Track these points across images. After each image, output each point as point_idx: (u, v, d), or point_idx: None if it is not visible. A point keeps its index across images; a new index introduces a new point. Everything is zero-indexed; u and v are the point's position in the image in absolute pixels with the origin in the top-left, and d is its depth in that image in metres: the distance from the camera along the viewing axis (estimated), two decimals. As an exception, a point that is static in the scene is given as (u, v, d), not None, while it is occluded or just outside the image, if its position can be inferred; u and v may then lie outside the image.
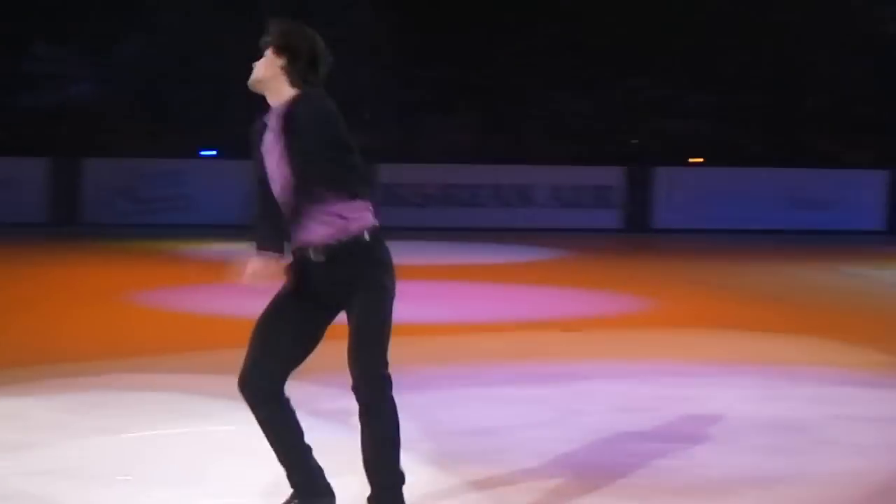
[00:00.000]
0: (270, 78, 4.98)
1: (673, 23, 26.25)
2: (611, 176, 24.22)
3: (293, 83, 4.97)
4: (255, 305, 5.22)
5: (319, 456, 5.19)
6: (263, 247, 4.94)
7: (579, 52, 26.33)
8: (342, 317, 5.05)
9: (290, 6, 19.75)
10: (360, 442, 5.01)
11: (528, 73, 26.65)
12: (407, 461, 5.14)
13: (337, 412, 6.84)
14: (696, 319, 12.50)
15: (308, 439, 5.19)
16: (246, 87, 5.01)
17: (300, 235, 4.94)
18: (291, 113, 4.88)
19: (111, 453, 6.55)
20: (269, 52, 5.00)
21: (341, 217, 4.92)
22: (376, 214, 5.04)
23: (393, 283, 4.99)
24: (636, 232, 23.37)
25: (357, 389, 4.93)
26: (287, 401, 5.08)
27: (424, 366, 8.99)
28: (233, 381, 5.10)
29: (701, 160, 26.90)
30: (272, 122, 4.98)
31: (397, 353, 5.06)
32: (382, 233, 5.05)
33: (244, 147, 5.07)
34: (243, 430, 5.73)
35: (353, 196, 4.95)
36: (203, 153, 24.85)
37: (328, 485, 5.18)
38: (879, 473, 6.45)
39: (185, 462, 6.35)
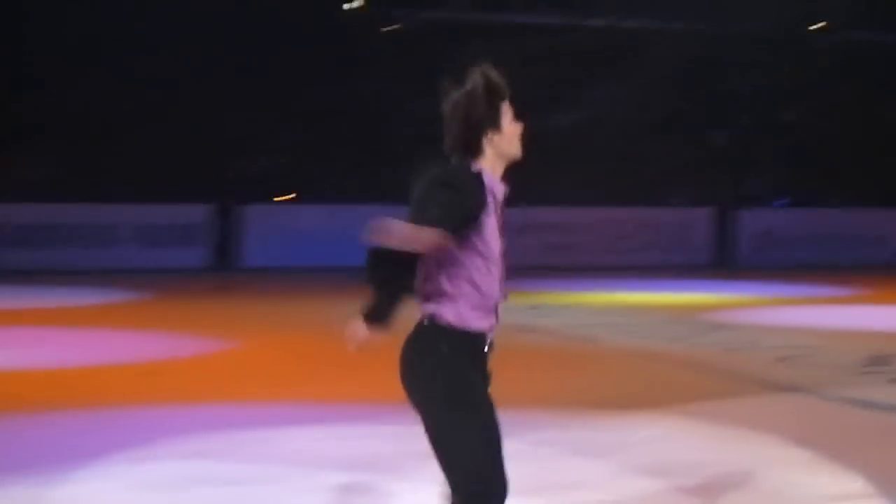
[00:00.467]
0: None
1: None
2: (196, 213, 23.60)
3: None
4: None
5: None
6: (379, 322, 4.25)
7: (160, 87, 25.59)
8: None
9: None
10: None
11: (110, 109, 25.66)
12: None
13: None
14: (276, 359, 12.14)
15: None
16: None
17: (494, 319, 4.39)
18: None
19: None
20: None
21: None
22: None
23: None
24: (223, 270, 22.84)
25: None
26: None
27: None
28: None
29: (290, 197, 26.74)
30: (498, 192, 4.38)
31: None
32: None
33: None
34: None
35: None
36: None
37: None
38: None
39: None
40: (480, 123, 4.30)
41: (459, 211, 4.17)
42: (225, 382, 10.47)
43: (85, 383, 10.28)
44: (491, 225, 4.29)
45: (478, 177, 4.28)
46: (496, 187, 4.34)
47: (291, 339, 13.54)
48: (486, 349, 4.36)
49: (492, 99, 4.32)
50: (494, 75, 4.36)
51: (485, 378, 4.37)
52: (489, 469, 4.21)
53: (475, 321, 4.28)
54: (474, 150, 4.33)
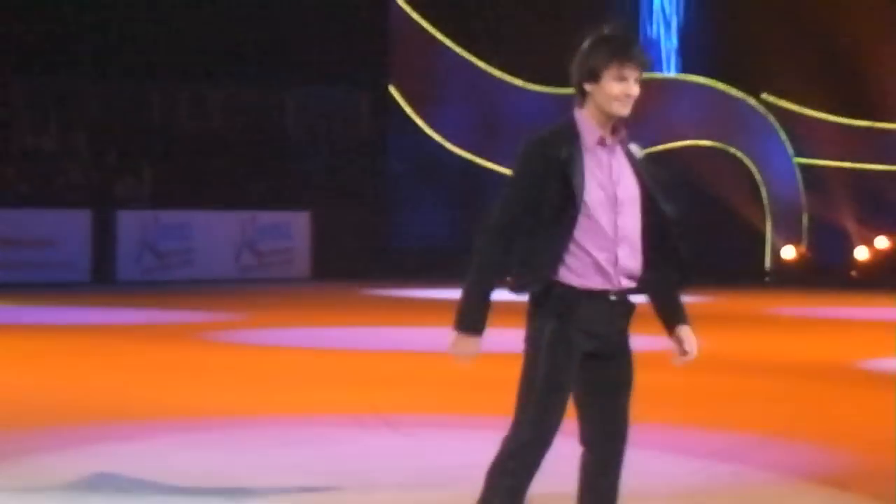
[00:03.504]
0: None
1: None
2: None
3: None
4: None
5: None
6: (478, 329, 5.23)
7: None
8: None
9: None
10: None
11: None
12: None
13: None
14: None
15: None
16: None
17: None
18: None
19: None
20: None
21: None
22: None
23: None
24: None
25: None
26: None
27: None
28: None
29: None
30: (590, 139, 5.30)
31: None
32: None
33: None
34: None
35: None
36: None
37: None
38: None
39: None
40: (580, 73, 5.02)
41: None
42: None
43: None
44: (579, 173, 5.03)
45: (559, 130, 5.08)
46: (590, 139, 5.04)
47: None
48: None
49: (596, 53, 5.01)
50: (611, 32, 5.10)
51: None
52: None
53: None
54: (579, 97, 5.07)
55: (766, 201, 28.03)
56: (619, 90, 5.02)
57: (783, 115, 28.12)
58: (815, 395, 12.51)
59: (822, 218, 27.79)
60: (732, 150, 27.98)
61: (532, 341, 5.09)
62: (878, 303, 21.91)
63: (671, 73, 29.34)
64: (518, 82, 27.26)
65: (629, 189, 5.12)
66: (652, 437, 8.31)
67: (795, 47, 25.95)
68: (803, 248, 27.59)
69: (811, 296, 24.04)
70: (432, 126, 28.01)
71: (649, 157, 5.31)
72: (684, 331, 5.23)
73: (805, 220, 27.95)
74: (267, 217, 26.39)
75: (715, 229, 24.83)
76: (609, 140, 5.09)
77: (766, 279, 27.68)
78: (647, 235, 5.14)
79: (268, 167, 27.39)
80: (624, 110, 5.05)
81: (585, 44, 5.12)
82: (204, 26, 26.62)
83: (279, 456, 8.58)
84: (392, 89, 28.09)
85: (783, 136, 28.07)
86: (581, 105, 5.11)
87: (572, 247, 5.07)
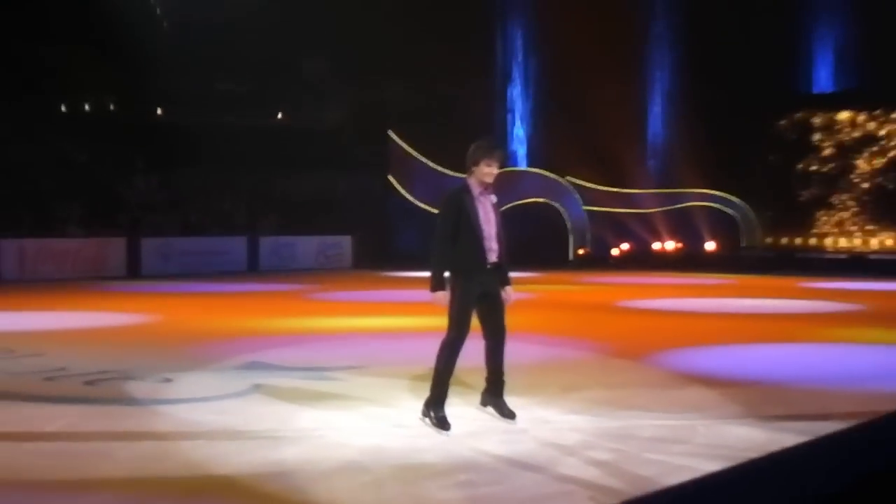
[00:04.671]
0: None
1: None
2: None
3: None
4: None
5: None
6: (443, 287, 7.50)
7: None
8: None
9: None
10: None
11: None
12: None
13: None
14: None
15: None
16: None
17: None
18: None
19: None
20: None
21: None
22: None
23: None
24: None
25: None
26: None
27: None
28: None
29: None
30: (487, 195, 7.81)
31: None
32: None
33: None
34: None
35: None
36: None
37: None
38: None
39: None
40: (470, 160, 7.88)
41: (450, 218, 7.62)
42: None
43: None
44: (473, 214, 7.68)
45: (461, 188, 7.75)
46: (475, 192, 7.71)
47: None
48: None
49: (476, 151, 7.90)
50: (487, 142, 7.89)
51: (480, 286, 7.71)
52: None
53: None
54: (469, 171, 7.88)
55: (569, 225, 38.13)
56: (487, 171, 7.76)
57: (576, 185, 38.12)
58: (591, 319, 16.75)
59: (594, 234, 38.05)
60: (553, 203, 38.19)
61: (455, 290, 7.64)
62: (623, 275, 30.57)
63: (521, 166, 39.86)
64: (448, 171, 35.87)
65: (490, 217, 7.81)
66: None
67: (583, 147, 35.39)
68: (586, 248, 37.98)
69: (590, 272, 32.14)
70: (411, 194, 38.46)
71: (498, 203, 7.90)
72: (508, 289, 8.00)
73: (588, 235, 38.18)
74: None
75: (543, 237, 35.39)
76: (483, 193, 7.79)
77: (569, 262, 36.59)
78: (496, 238, 7.76)
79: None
80: (490, 180, 7.78)
81: (472, 146, 7.83)
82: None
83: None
84: (390, 178, 39.35)
85: (576, 195, 38.32)
86: (469, 175, 7.78)
87: (471, 245, 7.81)
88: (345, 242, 36.29)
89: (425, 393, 8.66)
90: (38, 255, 28.84)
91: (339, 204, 37.85)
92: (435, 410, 8.16)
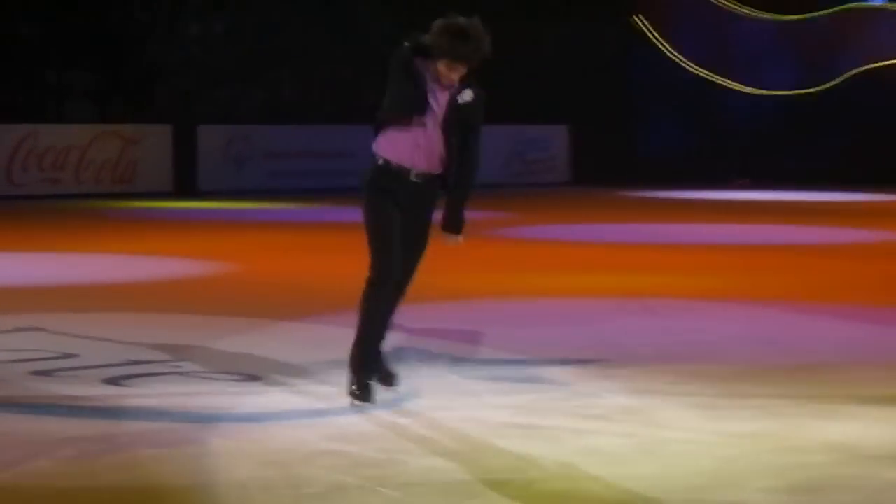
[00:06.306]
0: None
1: None
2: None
3: None
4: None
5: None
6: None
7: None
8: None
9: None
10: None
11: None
12: None
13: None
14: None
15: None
16: None
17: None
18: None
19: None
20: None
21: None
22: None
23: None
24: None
25: None
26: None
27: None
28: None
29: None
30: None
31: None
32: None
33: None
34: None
35: None
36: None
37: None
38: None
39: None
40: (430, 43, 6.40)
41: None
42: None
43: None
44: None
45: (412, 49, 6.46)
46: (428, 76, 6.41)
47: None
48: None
49: (434, 43, 6.36)
50: (444, 37, 6.30)
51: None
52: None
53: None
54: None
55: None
56: (445, 74, 6.36)
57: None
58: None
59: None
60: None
61: (365, 203, 6.59)
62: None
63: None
64: (745, 10, 26.78)
65: (438, 111, 6.44)
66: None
67: None
68: None
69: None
70: (673, 50, 27.16)
71: (476, 102, 6.45)
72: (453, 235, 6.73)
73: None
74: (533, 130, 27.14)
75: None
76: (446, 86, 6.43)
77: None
78: (444, 145, 6.46)
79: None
80: (447, 83, 6.39)
81: (434, 26, 6.32)
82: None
83: (547, 329, 9.15)
84: (637, 19, 27.02)
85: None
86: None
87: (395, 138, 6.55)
88: (556, 137, 27.65)
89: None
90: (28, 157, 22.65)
91: (546, 71, 27.28)
92: (357, 375, 6.71)
